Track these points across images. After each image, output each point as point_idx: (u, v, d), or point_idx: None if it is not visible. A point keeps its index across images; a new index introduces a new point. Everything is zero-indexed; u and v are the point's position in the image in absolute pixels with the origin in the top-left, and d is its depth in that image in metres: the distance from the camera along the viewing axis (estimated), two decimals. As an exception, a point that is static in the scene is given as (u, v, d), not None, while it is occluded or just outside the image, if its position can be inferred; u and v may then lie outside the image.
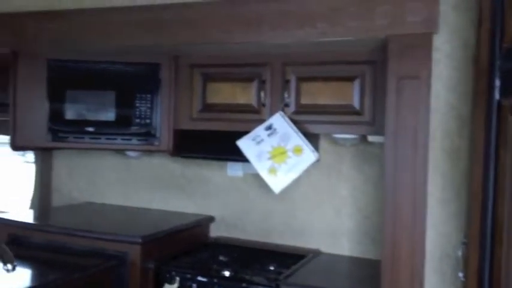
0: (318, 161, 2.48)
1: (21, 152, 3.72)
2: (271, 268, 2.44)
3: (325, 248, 2.73)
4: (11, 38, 2.66)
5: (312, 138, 2.53)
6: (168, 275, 2.39)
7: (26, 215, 2.92)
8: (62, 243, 2.57)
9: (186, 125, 2.66)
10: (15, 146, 2.72)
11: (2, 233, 2.72)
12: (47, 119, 2.70)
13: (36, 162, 3.44)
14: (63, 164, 3.39)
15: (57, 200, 3.40)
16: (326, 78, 2.37)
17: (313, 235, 2.76)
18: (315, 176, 2.75)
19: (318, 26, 2.09)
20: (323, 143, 2.72)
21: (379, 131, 2.19)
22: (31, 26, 2.61)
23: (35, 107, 2.71)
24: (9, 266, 1.37)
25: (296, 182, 2.68)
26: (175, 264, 2.46)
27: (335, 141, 2.66)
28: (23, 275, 2.26)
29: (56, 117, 2.69)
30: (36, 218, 2.99)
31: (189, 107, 2.64)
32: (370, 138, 2.42)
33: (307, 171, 2.58)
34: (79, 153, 3.30)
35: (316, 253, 2.68)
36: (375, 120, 2.30)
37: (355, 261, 2.63)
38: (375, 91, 2.30)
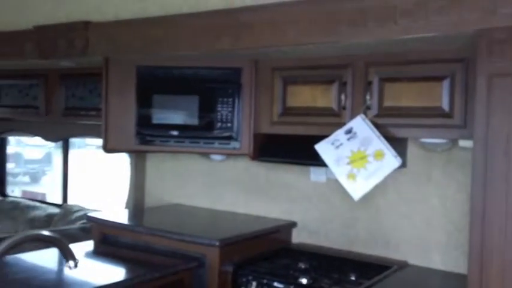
0: (402, 166, 2.33)
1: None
2: (352, 278, 2.33)
3: (413, 260, 2.56)
4: (105, 46, 2.82)
5: (399, 143, 2.39)
6: (244, 279, 2.37)
7: (117, 215, 3.07)
8: (147, 243, 2.67)
9: (267, 129, 2.63)
10: (107, 149, 2.87)
11: (95, 231, 2.89)
12: (135, 123, 2.81)
13: (131, 164, 3.61)
14: (155, 166, 3.53)
15: (150, 201, 3.55)
16: (411, 79, 2.22)
17: (399, 245, 2.60)
18: (402, 182, 2.59)
19: (399, 23, 1.95)
20: (412, 148, 2.55)
21: (472, 135, 2.00)
22: (121, 33, 2.74)
23: (124, 111, 2.83)
24: (72, 264, 1.42)
25: (382, 189, 2.55)
26: (253, 268, 2.44)
27: (424, 146, 2.48)
28: (108, 271, 2.38)
29: (143, 122, 2.80)
30: (126, 218, 3.13)
31: (269, 111, 2.61)
32: (462, 143, 2.23)
33: (394, 178, 2.44)
34: (169, 157, 3.41)
35: (403, 265, 2.52)
36: (466, 123, 2.11)
37: (446, 276, 2.42)
38: (466, 92, 2.11)
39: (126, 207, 3.63)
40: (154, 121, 2.79)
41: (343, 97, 2.37)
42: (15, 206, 4.09)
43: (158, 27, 2.62)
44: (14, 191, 5.15)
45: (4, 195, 4.70)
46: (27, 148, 8.74)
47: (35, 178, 9.26)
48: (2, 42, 3.31)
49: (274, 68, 2.59)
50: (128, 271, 2.40)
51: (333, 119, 2.40)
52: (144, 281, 2.25)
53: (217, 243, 2.42)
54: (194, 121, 2.72)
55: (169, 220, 3.00)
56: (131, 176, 3.62)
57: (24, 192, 5.53)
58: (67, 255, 1.40)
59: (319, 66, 2.45)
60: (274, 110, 2.61)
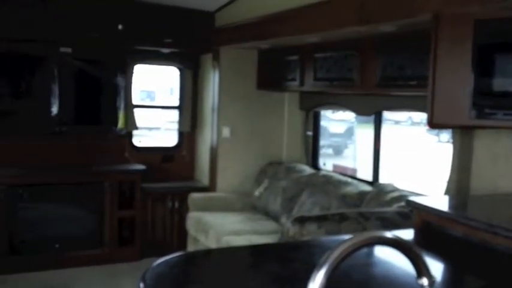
0: None
1: (434, 132, 3.45)
2: None
3: None
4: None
5: None
6: None
7: (441, 202, 2.61)
8: (481, 240, 2.12)
9: None
10: (433, 124, 2.42)
11: (417, 218, 2.50)
12: (470, 93, 2.27)
13: (454, 142, 3.08)
14: (486, 145, 2.90)
15: (476, 187, 2.96)
16: None
17: None
18: None
19: None
20: None
21: None
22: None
23: (457, 78, 2.33)
24: (425, 282, 1.04)
25: None
26: None
27: None
28: (438, 272, 1.96)
29: (482, 90, 2.24)
30: (452, 206, 2.63)
31: None
32: None
33: None
34: (507, 134, 2.74)
35: None
36: None
37: None
38: None
39: (446, 193, 3.13)
40: (497, 89, 2.20)
41: None
42: (328, 180, 4.05)
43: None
44: (326, 164, 5.21)
45: (317, 168, 4.78)
46: (331, 123, 9.36)
47: (337, 151, 9.90)
48: (322, 15, 3.20)
49: None
50: (461, 278, 1.93)
51: None
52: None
53: None
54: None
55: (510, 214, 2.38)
56: (454, 156, 3.09)
57: (335, 166, 5.58)
58: (421, 270, 1.04)
59: None
60: None
